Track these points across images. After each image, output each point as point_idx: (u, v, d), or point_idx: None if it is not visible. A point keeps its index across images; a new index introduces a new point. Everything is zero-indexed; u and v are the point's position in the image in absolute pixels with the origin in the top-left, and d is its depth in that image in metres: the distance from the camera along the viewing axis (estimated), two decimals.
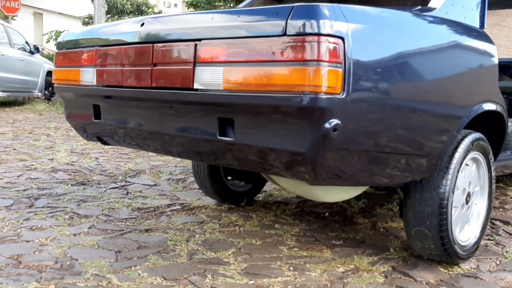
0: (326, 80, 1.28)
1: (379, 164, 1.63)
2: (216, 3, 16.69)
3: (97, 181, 3.43)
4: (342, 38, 1.31)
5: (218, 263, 2.01)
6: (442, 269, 2.03)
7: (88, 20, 24.65)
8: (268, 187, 3.41)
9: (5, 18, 14.17)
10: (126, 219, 2.58)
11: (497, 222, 2.77)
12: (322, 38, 1.28)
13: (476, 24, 2.07)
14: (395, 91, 1.53)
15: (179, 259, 2.04)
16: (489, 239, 2.45)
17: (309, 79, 1.28)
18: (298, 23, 1.30)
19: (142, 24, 1.76)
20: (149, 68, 1.68)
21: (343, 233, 2.46)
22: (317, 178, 1.44)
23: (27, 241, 2.17)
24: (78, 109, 2.17)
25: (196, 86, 1.54)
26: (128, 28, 1.83)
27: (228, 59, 1.45)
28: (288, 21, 1.32)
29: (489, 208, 2.22)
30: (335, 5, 1.36)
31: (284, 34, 1.32)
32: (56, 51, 2.22)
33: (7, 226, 2.37)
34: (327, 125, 1.32)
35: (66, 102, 2.26)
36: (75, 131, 2.38)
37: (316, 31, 1.28)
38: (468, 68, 1.97)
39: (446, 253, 1.95)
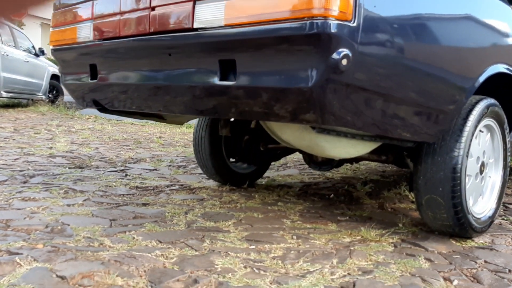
0: (337, 4, 1.19)
1: (390, 112, 1.52)
2: None
3: (96, 166, 3.33)
4: None
5: (217, 230, 1.90)
6: (454, 242, 1.91)
7: None
8: (271, 173, 3.30)
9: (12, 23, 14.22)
10: (123, 195, 2.47)
11: (511, 206, 2.65)
12: None
13: None
14: (409, 24, 1.43)
15: (177, 227, 1.93)
16: (502, 219, 2.33)
17: (317, 1, 1.19)
18: None
19: None
20: (147, 12, 1.59)
21: (349, 211, 2.35)
22: (324, 118, 1.33)
23: (18, 209, 2.07)
24: (75, 70, 2.09)
25: (196, 25, 1.45)
26: None
27: None
28: None
29: (504, 182, 2.11)
30: None
31: None
32: (53, 11, 2.15)
33: None
34: (335, 55, 1.22)
35: (62, 64, 2.17)
36: (72, 98, 2.29)
37: None
38: (482, 29, 1.88)
39: (459, 223, 1.83)
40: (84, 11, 1.90)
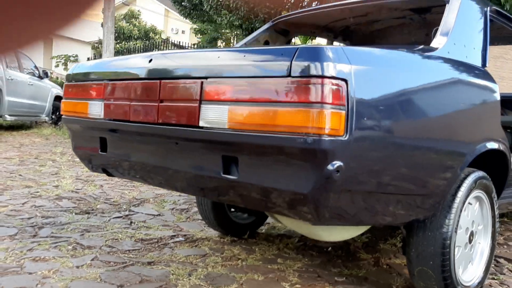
0: (329, 122, 1.30)
1: (382, 204, 1.63)
2: (223, 30, 16.85)
3: (101, 210, 3.44)
4: (345, 80, 1.34)
5: None
6: None
7: (97, 45, 25.02)
8: (271, 219, 3.40)
9: None
10: (129, 250, 2.58)
11: (501, 260, 2.75)
12: (326, 80, 1.30)
13: (478, 63, 2.10)
14: (398, 130, 1.54)
15: None
16: (493, 278, 2.43)
17: (313, 121, 1.30)
18: (302, 64, 1.33)
19: (150, 60, 1.80)
20: (156, 104, 1.71)
21: (346, 269, 2.45)
22: (319, 219, 1.45)
23: (30, 273, 2.17)
24: (85, 141, 2.20)
25: (201, 124, 1.56)
26: (136, 64, 1.87)
27: (234, 98, 1.47)
28: (293, 62, 1.35)
29: (493, 247, 2.21)
30: (339, 47, 1.39)
31: (289, 75, 1.35)
32: (65, 83, 2.27)
33: (10, 256, 2.37)
34: (330, 166, 1.33)
35: (73, 134, 2.29)
36: (81, 162, 2.40)
37: (320, 73, 1.31)
38: (470, 107, 1.99)
39: None
40: (96, 89, 2.01)
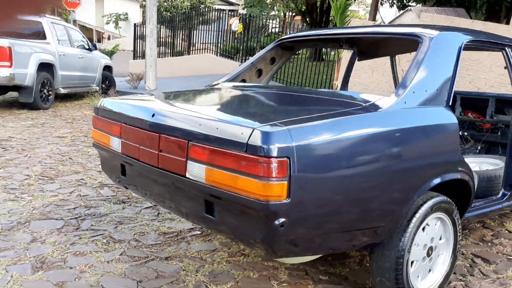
0: (274, 190, 1.69)
1: (332, 240, 2.02)
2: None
3: (135, 199, 3.98)
4: (288, 157, 1.71)
5: None
6: None
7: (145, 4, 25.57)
8: None
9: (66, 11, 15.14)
10: (151, 245, 3.10)
11: (478, 260, 3.07)
12: (272, 160, 1.68)
13: (441, 103, 2.37)
14: (337, 188, 1.89)
15: None
16: (461, 280, 2.78)
17: (262, 190, 1.70)
18: (255, 146, 1.71)
19: (153, 115, 2.22)
20: (157, 152, 2.14)
21: (332, 268, 2.87)
22: (274, 256, 1.87)
23: (71, 268, 2.73)
24: (110, 164, 2.68)
25: (187, 175, 1.99)
26: (143, 115, 2.29)
27: (208, 161, 1.88)
28: (248, 142, 1.73)
29: (454, 258, 2.55)
30: (285, 129, 1.75)
31: (246, 151, 1.74)
32: (94, 114, 2.73)
33: (57, 250, 2.95)
34: (276, 222, 1.73)
35: (101, 157, 2.78)
36: (108, 178, 2.90)
37: (268, 154, 1.68)
38: (416, 154, 2.23)
39: None
40: (115, 128, 2.46)
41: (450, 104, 2.40)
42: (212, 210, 1.97)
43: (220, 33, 15.06)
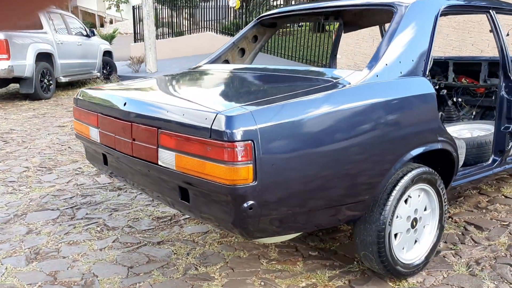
0: (240, 174, 1.69)
1: (313, 217, 2.02)
2: None
3: None
4: (252, 140, 1.70)
5: (205, 278, 2.51)
6: (390, 283, 2.41)
7: None
8: None
9: None
10: (144, 230, 3.14)
11: (471, 228, 3.06)
12: (236, 144, 1.67)
13: (418, 73, 2.32)
14: (307, 166, 1.88)
15: (176, 274, 2.56)
16: (451, 248, 2.78)
17: (228, 174, 1.69)
18: (219, 131, 1.70)
19: (125, 104, 2.21)
20: (130, 141, 2.14)
21: (322, 243, 2.88)
22: (248, 237, 1.88)
23: (64, 257, 2.78)
24: (93, 154, 2.70)
25: (160, 163, 1.99)
26: (116, 104, 2.29)
27: (177, 148, 1.88)
28: (212, 127, 1.72)
29: (441, 227, 2.54)
30: (248, 112, 1.73)
31: (210, 136, 1.73)
32: (74, 105, 2.74)
33: (51, 240, 3.00)
34: (244, 205, 1.74)
35: (85, 147, 2.79)
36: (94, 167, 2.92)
37: (231, 138, 1.67)
38: (395, 123, 2.19)
39: (389, 272, 2.33)
40: (93, 118, 2.47)
41: (427, 73, 2.35)
42: (187, 196, 1.97)
43: (219, 9, 14.89)
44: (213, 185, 1.76)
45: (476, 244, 2.84)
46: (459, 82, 4.08)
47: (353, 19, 3.63)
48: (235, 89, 2.57)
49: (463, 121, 3.93)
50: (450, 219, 3.20)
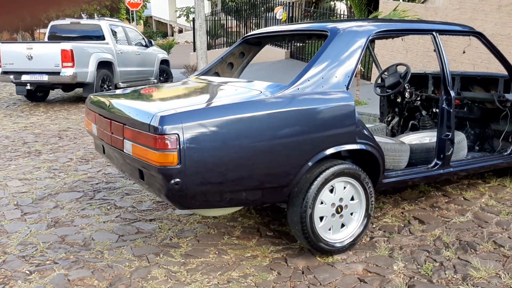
0: (168, 159, 2.34)
1: (231, 196, 2.62)
2: None
3: None
4: (177, 134, 2.34)
5: (174, 246, 3.17)
6: (318, 258, 2.94)
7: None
8: None
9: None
10: (144, 210, 3.85)
11: (415, 222, 3.48)
12: (165, 137, 2.32)
13: (340, 87, 2.83)
14: (222, 156, 2.48)
15: (154, 242, 3.24)
16: (385, 236, 3.24)
17: (160, 158, 2.35)
18: (154, 126, 2.35)
19: (109, 106, 2.93)
20: (110, 134, 2.86)
21: (280, 226, 3.44)
22: (181, 207, 2.53)
23: (75, 226, 3.55)
24: (97, 145, 3.46)
25: (125, 151, 2.68)
26: (104, 106, 3.02)
27: (132, 139, 2.56)
28: (150, 124, 2.38)
29: (368, 216, 3.03)
30: (176, 113, 2.38)
31: (149, 130, 2.40)
32: (85, 107, 3.51)
33: (70, 214, 3.79)
34: (172, 181, 2.38)
35: (93, 139, 3.56)
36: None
37: (162, 132, 2.33)
38: (307, 127, 2.70)
39: (314, 248, 2.87)
40: (93, 117, 3.22)
41: (349, 88, 2.87)
42: (143, 176, 2.65)
43: (269, 21, 15.60)
44: (152, 167, 2.43)
45: (409, 234, 3.28)
46: (433, 95, 4.46)
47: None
48: (185, 96, 3.23)
49: (433, 129, 4.31)
50: (401, 214, 3.64)
